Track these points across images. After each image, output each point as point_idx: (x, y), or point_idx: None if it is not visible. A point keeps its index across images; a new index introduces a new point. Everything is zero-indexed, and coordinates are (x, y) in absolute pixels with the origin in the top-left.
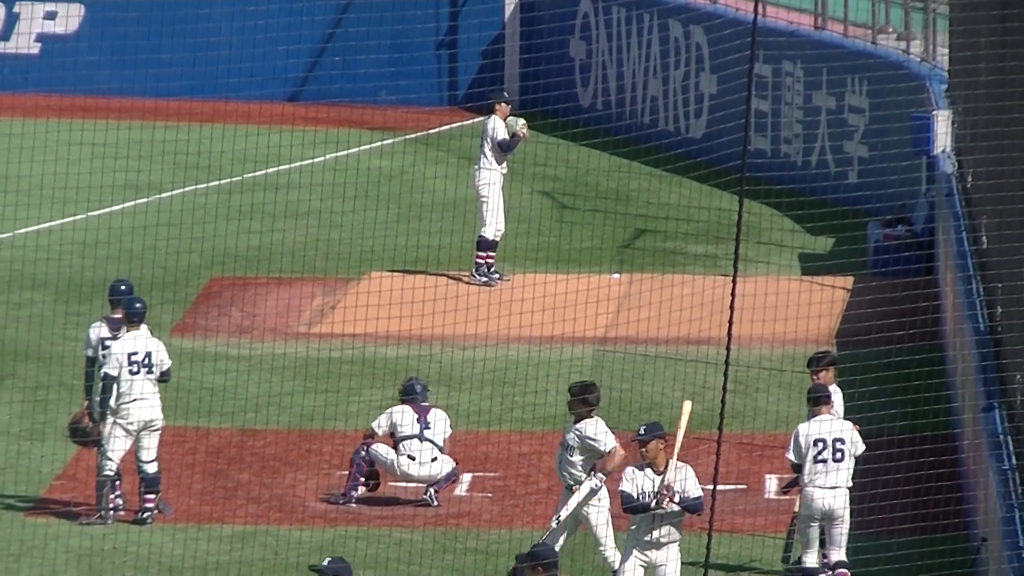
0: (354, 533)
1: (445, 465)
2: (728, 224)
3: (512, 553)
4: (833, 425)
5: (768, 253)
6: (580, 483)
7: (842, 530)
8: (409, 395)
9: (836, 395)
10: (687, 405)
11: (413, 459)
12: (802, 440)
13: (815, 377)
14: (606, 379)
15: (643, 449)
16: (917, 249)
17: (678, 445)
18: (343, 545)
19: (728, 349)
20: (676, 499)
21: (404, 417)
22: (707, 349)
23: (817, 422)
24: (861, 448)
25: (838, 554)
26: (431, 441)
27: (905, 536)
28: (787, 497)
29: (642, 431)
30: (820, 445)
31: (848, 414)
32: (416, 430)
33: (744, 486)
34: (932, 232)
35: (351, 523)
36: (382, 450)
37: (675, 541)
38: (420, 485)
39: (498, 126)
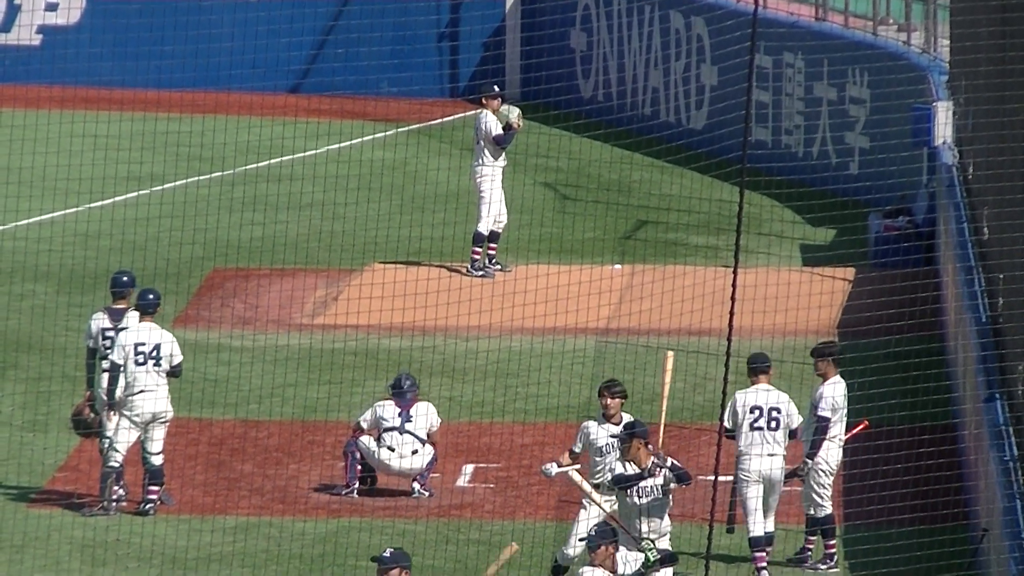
0: (356, 524)
1: (426, 458)
2: (729, 215)
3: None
4: (770, 395)
5: (769, 244)
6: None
7: (775, 495)
8: (396, 389)
9: (839, 386)
10: (670, 356)
11: (393, 451)
12: (738, 408)
13: (818, 366)
14: (608, 370)
15: (623, 446)
16: (918, 240)
17: (665, 396)
18: (346, 536)
19: (729, 340)
20: (668, 463)
21: (387, 411)
22: (708, 340)
23: (754, 391)
24: (797, 421)
25: (770, 524)
26: (412, 434)
27: (906, 527)
28: (788, 488)
29: (623, 429)
30: (756, 413)
31: (850, 405)
32: (397, 423)
33: None
34: (933, 223)
35: (354, 514)
36: (367, 443)
37: (665, 535)
38: (406, 478)
39: (490, 120)
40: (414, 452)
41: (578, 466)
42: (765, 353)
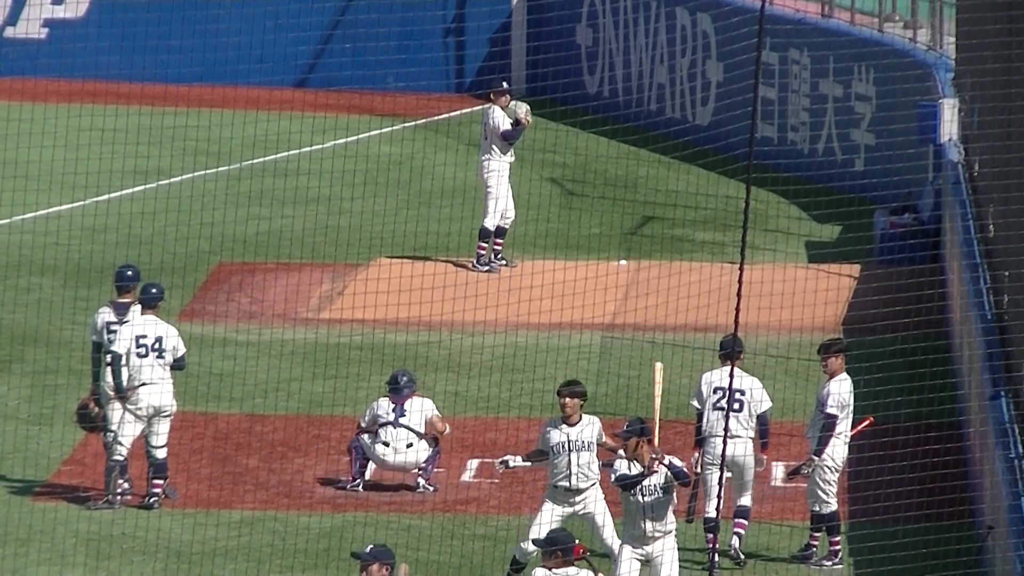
0: (361, 519)
1: (421, 453)
2: (735, 211)
3: (519, 540)
4: (740, 380)
5: (775, 241)
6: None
7: (747, 478)
8: (392, 385)
9: (845, 383)
10: (659, 367)
11: (387, 445)
12: (704, 387)
13: (824, 363)
14: (613, 366)
15: (624, 443)
16: (923, 237)
17: (657, 406)
18: (351, 531)
19: (735, 336)
20: (667, 461)
21: (381, 407)
22: (714, 336)
23: (720, 371)
24: (766, 406)
25: (744, 499)
26: (406, 427)
27: (911, 524)
28: (793, 484)
29: (625, 428)
30: (720, 393)
31: (855, 402)
32: (391, 418)
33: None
34: (939, 220)
35: (358, 509)
36: (365, 439)
37: (669, 532)
38: (404, 473)
39: (498, 116)
40: (409, 446)
41: (529, 464)
42: (739, 338)
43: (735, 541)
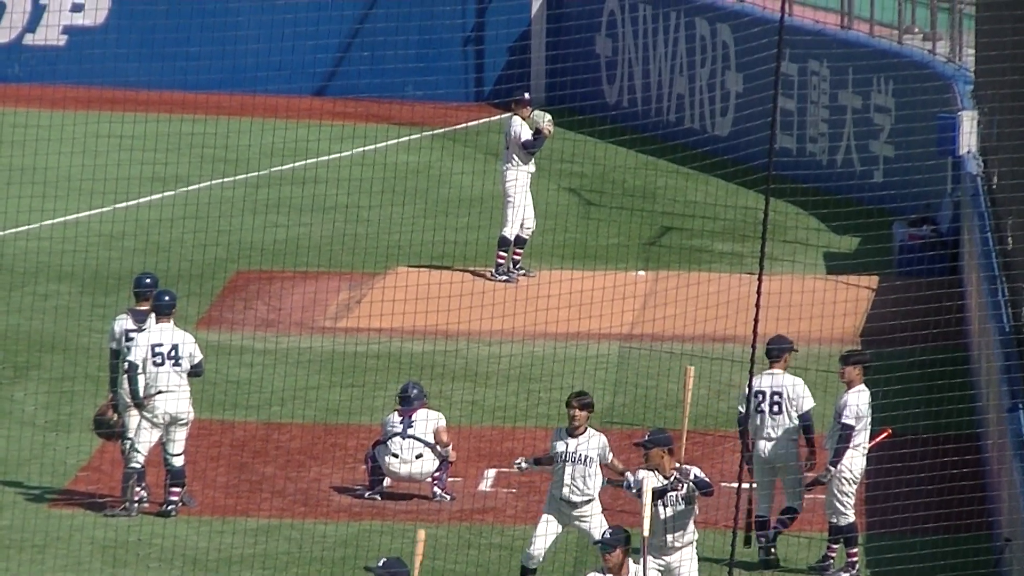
0: (378, 527)
1: (430, 463)
2: (753, 222)
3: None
4: (774, 379)
5: (793, 252)
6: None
7: (792, 477)
8: (403, 396)
9: (863, 394)
10: (691, 371)
11: (396, 457)
12: (746, 391)
13: (842, 372)
14: (631, 376)
15: (646, 453)
16: (942, 249)
17: (687, 409)
18: (367, 540)
19: (753, 347)
20: (691, 476)
21: (391, 419)
22: (732, 347)
23: (766, 375)
24: (807, 404)
25: (790, 500)
26: (415, 438)
27: (929, 536)
28: (810, 496)
29: (647, 438)
30: (759, 397)
31: (873, 414)
32: (399, 429)
33: None
34: (957, 232)
35: (375, 517)
36: (379, 452)
37: (690, 543)
38: (415, 483)
39: (520, 126)
40: (418, 456)
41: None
42: (784, 337)
43: (771, 535)
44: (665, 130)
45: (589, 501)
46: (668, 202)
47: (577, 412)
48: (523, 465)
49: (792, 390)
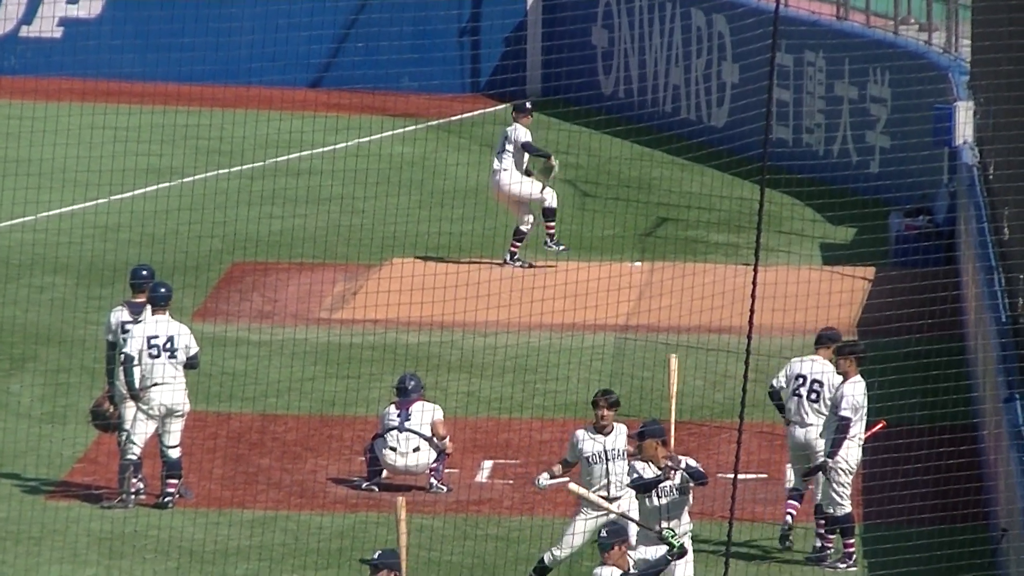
0: (375, 519)
1: (428, 455)
2: (749, 213)
3: (533, 540)
4: (815, 366)
5: (789, 243)
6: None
7: (825, 476)
8: (400, 388)
9: (859, 385)
10: (673, 359)
11: (394, 450)
12: (787, 372)
13: (840, 364)
14: (627, 367)
15: (639, 444)
16: (938, 239)
17: (673, 397)
18: (364, 531)
19: (749, 338)
20: (683, 465)
21: (389, 412)
22: (728, 338)
23: (807, 360)
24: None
25: (820, 498)
26: (412, 431)
27: (925, 526)
28: (811, 488)
29: (640, 429)
30: (799, 380)
31: (869, 404)
32: (397, 422)
33: (765, 475)
34: (953, 223)
35: (372, 509)
36: (377, 445)
37: (685, 533)
38: (413, 476)
39: (521, 132)
40: (416, 449)
41: (567, 479)
42: (836, 330)
43: (788, 520)
44: (661, 121)
45: (627, 493)
46: (664, 193)
47: (605, 412)
48: (543, 483)
49: (831, 381)
